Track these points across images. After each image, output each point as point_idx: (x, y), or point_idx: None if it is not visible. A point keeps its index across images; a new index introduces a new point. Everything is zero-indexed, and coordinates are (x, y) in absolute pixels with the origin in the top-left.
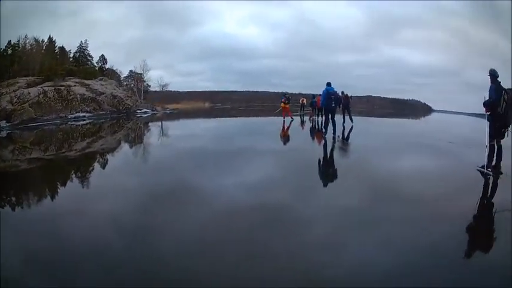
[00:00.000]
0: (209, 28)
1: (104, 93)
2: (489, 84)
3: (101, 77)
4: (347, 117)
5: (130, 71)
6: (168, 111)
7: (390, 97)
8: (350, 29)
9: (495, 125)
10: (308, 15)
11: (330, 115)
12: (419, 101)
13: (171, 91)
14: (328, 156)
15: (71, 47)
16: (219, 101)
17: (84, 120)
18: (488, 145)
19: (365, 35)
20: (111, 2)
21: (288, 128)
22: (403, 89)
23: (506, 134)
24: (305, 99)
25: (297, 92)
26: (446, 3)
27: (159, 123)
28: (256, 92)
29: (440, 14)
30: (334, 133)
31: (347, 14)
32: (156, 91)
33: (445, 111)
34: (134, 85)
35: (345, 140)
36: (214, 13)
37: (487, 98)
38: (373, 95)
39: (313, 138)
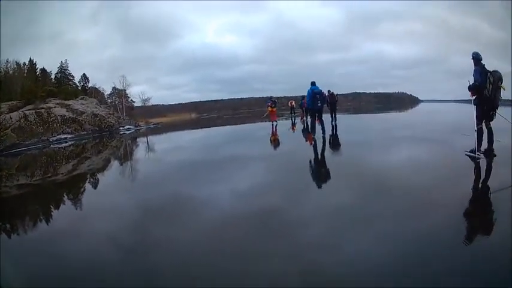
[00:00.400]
0: (188, 40)
1: (84, 113)
2: (473, 68)
3: (82, 96)
4: (334, 115)
5: (113, 88)
6: (152, 126)
7: (376, 92)
8: (328, 29)
9: (483, 108)
10: (284, 19)
11: (316, 115)
12: (405, 93)
13: (156, 105)
14: (320, 157)
15: (54, 68)
16: (205, 111)
17: (66, 142)
18: (476, 128)
19: (344, 33)
20: (89, 22)
21: (276, 131)
22: (387, 83)
23: (494, 116)
24: (294, 101)
25: (281, 96)
26: None
27: (144, 138)
28: (241, 98)
29: (418, 4)
30: (323, 133)
31: (323, 14)
32: (142, 106)
33: (433, 101)
34: (118, 102)
35: (336, 138)
36: (192, 25)
37: (472, 82)
38: (359, 91)
39: (305, 140)
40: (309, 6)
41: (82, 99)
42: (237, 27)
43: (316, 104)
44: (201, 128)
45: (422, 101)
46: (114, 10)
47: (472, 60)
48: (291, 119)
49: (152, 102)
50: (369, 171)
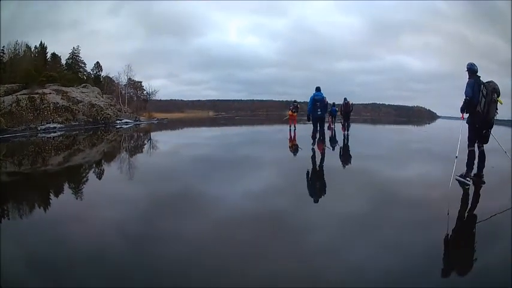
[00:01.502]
0: (211, 38)
1: (81, 102)
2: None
3: (84, 84)
4: (347, 125)
5: (129, 79)
6: (155, 121)
7: (395, 104)
8: (348, 37)
9: (475, 127)
10: (306, 24)
11: (318, 124)
12: (424, 108)
13: (175, 100)
14: (318, 169)
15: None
16: (223, 110)
17: (54, 132)
18: (468, 151)
19: (364, 42)
20: (111, 13)
21: (294, 136)
22: (407, 96)
23: (487, 136)
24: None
25: (301, 101)
26: (442, 6)
27: (138, 134)
28: (261, 100)
29: (437, 18)
30: (323, 140)
31: (345, 22)
32: (160, 100)
33: (451, 117)
34: (134, 93)
35: (345, 149)
36: (215, 24)
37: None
38: (378, 102)
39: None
40: (331, 14)
41: (84, 87)
42: (259, 29)
43: (316, 112)
44: (213, 126)
45: (440, 116)
46: (137, 3)
47: (467, 73)
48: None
49: (172, 96)
50: (359, 184)
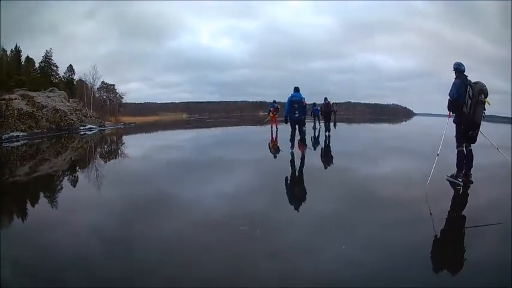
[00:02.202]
0: (184, 41)
1: (46, 107)
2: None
3: (51, 88)
4: (331, 125)
5: (102, 82)
6: (122, 126)
7: (370, 102)
8: (322, 36)
9: (461, 127)
10: (277, 25)
11: (296, 126)
12: (399, 106)
13: (148, 103)
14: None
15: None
16: (197, 112)
17: (18, 141)
18: (456, 151)
19: (338, 42)
20: (86, 17)
21: (277, 138)
22: (382, 94)
23: (474, 136)
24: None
25: (279, 101)
26: (418, 5)
27: (98, 142)
28: (235, 102)
29: (413, 17)
30: (303, 145)
31: (317, 22)
32: (135, 103)
33: (428, 114)
34: (107, 96)
35: (326, 150)
36: (188, 26)
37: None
38: (352, 101)
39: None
40: (304, 14)
41: (51, 91)
42: (232, 31)
43: (293, 114)
44: (184, 129)
45: (416, 114)
46: (111, 6)
47: (454, 72)
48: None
49: (146, 99)
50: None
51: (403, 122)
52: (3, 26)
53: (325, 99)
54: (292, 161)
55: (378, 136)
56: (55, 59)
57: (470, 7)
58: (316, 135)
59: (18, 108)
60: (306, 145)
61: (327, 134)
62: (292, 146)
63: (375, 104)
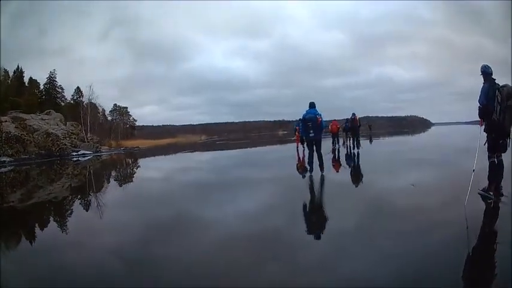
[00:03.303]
0: (198, 63)
1: (37, 130)
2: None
3: (48, 111)
4: (357, 142)
5: (115, 104)
6: (122, 151)
7: (388, 115)
8: (333, 52)
9: (492, 136)
10: (288, 43)
11: (314, 147)
12: (417, 116)
13: (166, 125)
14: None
15: (66, 85)
16: (215, 133)
17: (4, 166)
18: (488, 162)
19: (350, 57)
20: (99, 40)
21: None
22: (398, 107)
23: (508, 144)
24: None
25: (292, 119)
26: (425, 14)
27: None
28: (252, 122)
29: (421, 26)
30: (321, 170)
31: (327, 38)
32: (152, 125)
33: (445, 123)
34: (120, 120)
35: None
36: (201, 48)
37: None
38: (371, 115)
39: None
40: (313, 30)
41: (47, 113)
42: (244, 51)
43: (308, 134)
44: (201, 152)
45: (434, 124)
46: (124, 29)
47: (482, 76)
48: (334, 144)
49: (163, 122)
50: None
51: (422, 133)
52: (14, 48)
53: (353, 114)
54: (312, 189)
55: (406, 150)
56: (67, 81)
57: (476, 11)
58: (349, 152)
59: (7, 132)
60: (323, 169)
61: (356, 151)
62: (311, 169)
63: (392, 116)
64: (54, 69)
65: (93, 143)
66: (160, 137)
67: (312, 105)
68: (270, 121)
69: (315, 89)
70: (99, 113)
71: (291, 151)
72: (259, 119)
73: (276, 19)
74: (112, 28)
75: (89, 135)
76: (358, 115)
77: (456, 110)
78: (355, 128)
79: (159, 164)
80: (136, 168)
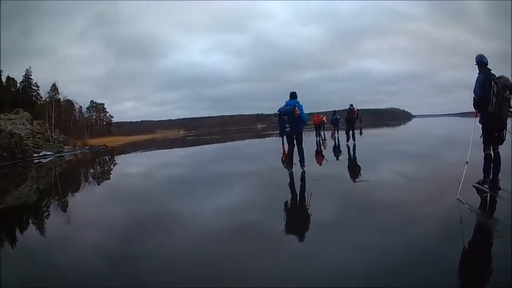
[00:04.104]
0: (176, 59)
1: (3, 131)
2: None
3: (17, 109)
4: (353, 134)
5: (91, 101)
6: (86, 151)
7: (368, 108)
8: (311, 46)
9: (487, 128)
10: (265, 38)
11: (293, 142)
12: (398, 109)
13: (145, 121)
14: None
15: (48, 83)
16: (194, 128)
17: None
18: (484, 154)
19: (328, 51)
20: (79, 39)
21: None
22: (378, 99)
23: (504, 136)
24: (324, 117)
25: (270, 113)
26: (404, 8)
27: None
28: (231, 116)
29: (400, 19)
30: (301, 165)
31: (305, 32)
32: (131, 122)
33: (426, 115)
34: (97, 116)
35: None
36: (177, 45)
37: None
38: (342, 109)
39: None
40: (290, 26)
41: (16, 113)
42: (221, 47)
43: (284, 128)
44: (178, 147)
45: (414, 116)
46: (103, 28)
47: (476, 66)
48: (318, 136)
49: (142, 118)
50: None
51: (402, 126)
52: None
53: (350, 105)
54: (292, 187)
55: (392, 142)
56: (49, 80)
57: (456, 5)
58: (337, 144)
59: None
60: (304, 164)
61: (353, 143)
62: (290, 167)
63: (373, 109)
64: (30, 67)
65: (57, 142)
66: (138, 133)
67: (293, 96)
68: (248, 115)
69: (293, 83)
70: (75, 110)
71: (268, 145)
72: (238, 113)
73: (252, 15)
74: (92, 27)
75: (53, 134)
76: (337, 108)
77: (436, 102)
78: (351, 120)
79: (114, 167)
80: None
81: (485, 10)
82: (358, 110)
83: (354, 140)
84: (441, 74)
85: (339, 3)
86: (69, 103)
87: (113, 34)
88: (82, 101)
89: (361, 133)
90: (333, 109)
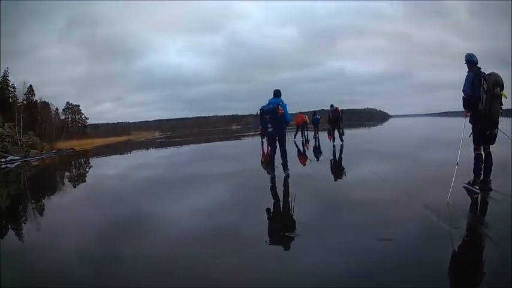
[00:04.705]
0: (153, 60)
1: None
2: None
3: None
4: (340, 135)
5: (67, 102)
6: (54, 155)
7: (345, 108)
8: (287, 46)
9: (478, 127)
10: (242, 38)
11: (276, 143)
12: (374, 109)
13: (121, 122)
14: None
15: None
16: (170, 129)
17: None
18: (474, 154)
19: (304, 51)
20: (58, 40)
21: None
22: (355, 100)
23: (496, 135)
24: (307, 117)
25: (247, 114)
26: (381, 8)
27: None
28: (206, 117)
29: (378, 20)
30: (284, 169)
31: (281, 33)
32: (109, 123)
33: (403, 115)
34: (72, 118)
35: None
36: (153, 45)
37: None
38: (326, 109)
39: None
40: (266, 26)
41: None
42: (197, 47)
43: (266, 128)
44: (151, 148)
45: (392, 116)
46: (82, 30)
47: (466, 64)
48: (302, 136)
49: (119, 119)
50: None
51: (379, 126)
52: None
53: (331, 106)
54: (274, 191)
55: (373, 142)
56: (25, 81)
57: (432, 4)
58: (317, 144)
59: None
60: (287, 168)
61: (340, 143)
62: (272, 169)
63: (349, 109)
64: (7, 68)
65: (25, 146)
66: (115, 135)
67: (277, 94)
68: (224, 116)
69: (270, 84)
70: (51, 112)
71: (244, 146)
72: (214, 114)
73: (228, 15)
74: (71, 28)
75: (22, 137)
76: (312, 108)
77: (414, 103)
78: (337, 120)
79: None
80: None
81: (464, 10)
82: (342, 109)
83: (341, 140)
84: (420, 74)
85: (315, 4)
86: (45, 105)
87: (92, 35)
88: (60, 102)
89: (343, 133)
90: (309, 110)
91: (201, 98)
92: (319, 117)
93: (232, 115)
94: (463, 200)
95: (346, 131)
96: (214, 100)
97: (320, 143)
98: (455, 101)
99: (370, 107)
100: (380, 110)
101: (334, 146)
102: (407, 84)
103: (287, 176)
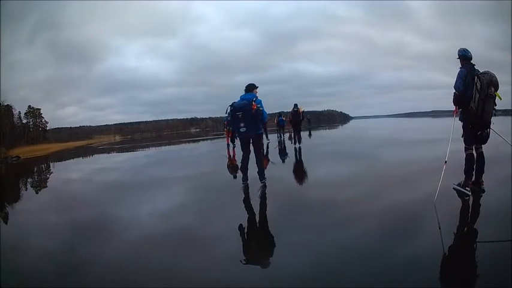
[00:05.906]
0: (112, 63)
1: None
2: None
3: None
4: (299, 138)
5: (29, 106)
6: None
7: (305, 110)
8: (244, 50)
9: (469, 126)
10: (199, 42)
11: (248, 146)
12: (335, 111)
13: (83, 126)
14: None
15: None
16: (130, 133)
17: None
18: (465, 154)
19: (261, 54)
20: (25, 44)
21: (234, 155)
22: (314, 101)
23: (487, 136)
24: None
25: (206, 116)
26: (338, 10)
27: None
28: (166, 120)
29: (334, 23)
30: (260, 179)
31: (237, 36)
32: (70, 127)
33: (365, 117)
34: (33, 122)
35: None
36: (113, 49)
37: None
38: (284, 111)
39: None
40: (222, 30)
41: None
42: (155, 51)
43: (238, 128)
44: (102, 153)
45: (353, 117)
46: (47, 33)
47: (459, 60)
48: (278, 137)
49: (81, 123)
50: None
51: (340, 127)
52: None
53: (295, 106)
54: (247, 202)
55: (341, 144)
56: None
57: (391, 5)
58: (282, 147)
59: None
60: (264, 177)
61: (297, 146)
62: (245, 178)
63: (310, 111)
64: None
65: None
66: (75, 140)
67: (249, 89)
68: (182, 119)
69: (227, 86)
70: (14, 117)
71: (204, 148)
72: (172, 117)
73: (185, 19)
74: (35, 31)
75: None
76: (302, 107)
77: (375, 103)
78: (297, 122)
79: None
80: None
81: (425, 11)
82: (303, 111)
83: (299, 143)
84: (381, 75)
85: (272, 7)
86: (8, 108)
87: (55, 39)
88: (23, 107)
89: (310, 135)
90: (269, 112)
91: (160, 101)
92: (284, 118)
93: (191, 118)
94: (451, 202)
95: (314, 133)
96: (173, 103)
97: (285, 146)
98: (417, 101)
99: (331, 109)
100: (341, 112)
101: (295, 149)
102: (367, 85)
103: (263, 187)
